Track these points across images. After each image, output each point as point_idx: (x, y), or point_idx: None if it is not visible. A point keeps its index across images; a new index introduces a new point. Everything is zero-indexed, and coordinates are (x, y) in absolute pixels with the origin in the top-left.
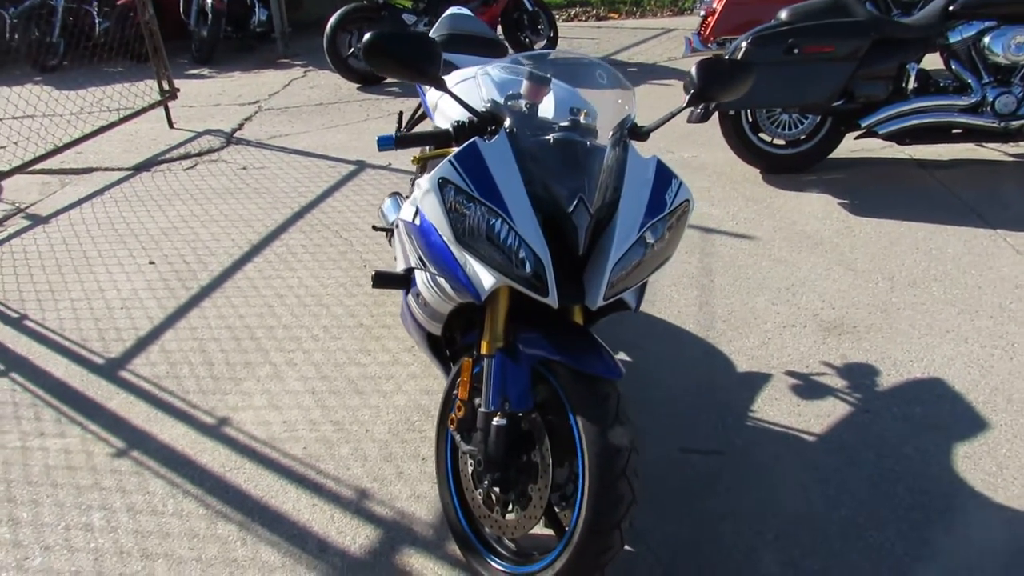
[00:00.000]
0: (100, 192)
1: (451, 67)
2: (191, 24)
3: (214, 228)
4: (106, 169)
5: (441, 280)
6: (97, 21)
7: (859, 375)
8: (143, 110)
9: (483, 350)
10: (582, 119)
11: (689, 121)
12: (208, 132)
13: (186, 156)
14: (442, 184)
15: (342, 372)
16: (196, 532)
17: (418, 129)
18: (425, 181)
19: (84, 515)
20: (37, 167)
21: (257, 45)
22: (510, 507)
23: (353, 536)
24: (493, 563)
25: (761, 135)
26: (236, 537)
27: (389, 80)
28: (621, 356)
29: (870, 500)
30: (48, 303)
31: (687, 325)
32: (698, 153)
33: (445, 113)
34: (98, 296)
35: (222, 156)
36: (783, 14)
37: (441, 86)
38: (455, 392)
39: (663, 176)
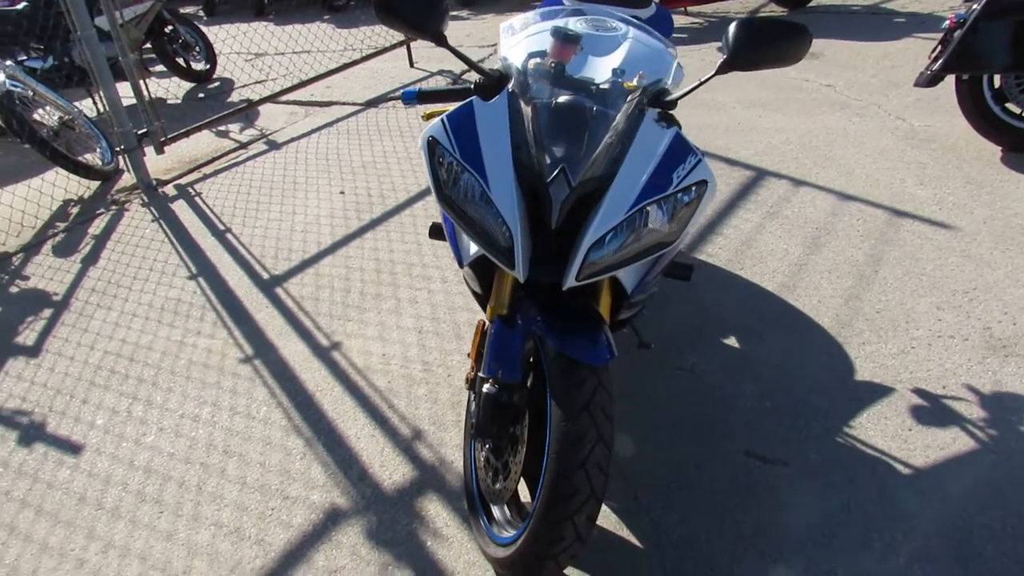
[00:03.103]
0: (330, 124)
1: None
2: None
3: (406, 166)
4: (342, 103)
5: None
6: None
7: (1006, 408)
8: (385, 49)
9: (486, 315)
10: (633, 81)
11: (916, 84)
12: (440, 72)
13: None
14: (430, 143)
15: (453, 316)
16: (270, 440)
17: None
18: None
19: (197, 407)
20: (291, 97)
21: None
22: (497, 474)
23: (392, 472)
24: (481, 521)
25: (1008, 105)
26: (299, 451)
27: None
28: (731, 341)
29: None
30: (249, 219)
31: (822, 318)
32: (933, 122)
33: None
34: (288, 218)
35: None
36: None
37: (442, 43)
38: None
39: (676, 151)
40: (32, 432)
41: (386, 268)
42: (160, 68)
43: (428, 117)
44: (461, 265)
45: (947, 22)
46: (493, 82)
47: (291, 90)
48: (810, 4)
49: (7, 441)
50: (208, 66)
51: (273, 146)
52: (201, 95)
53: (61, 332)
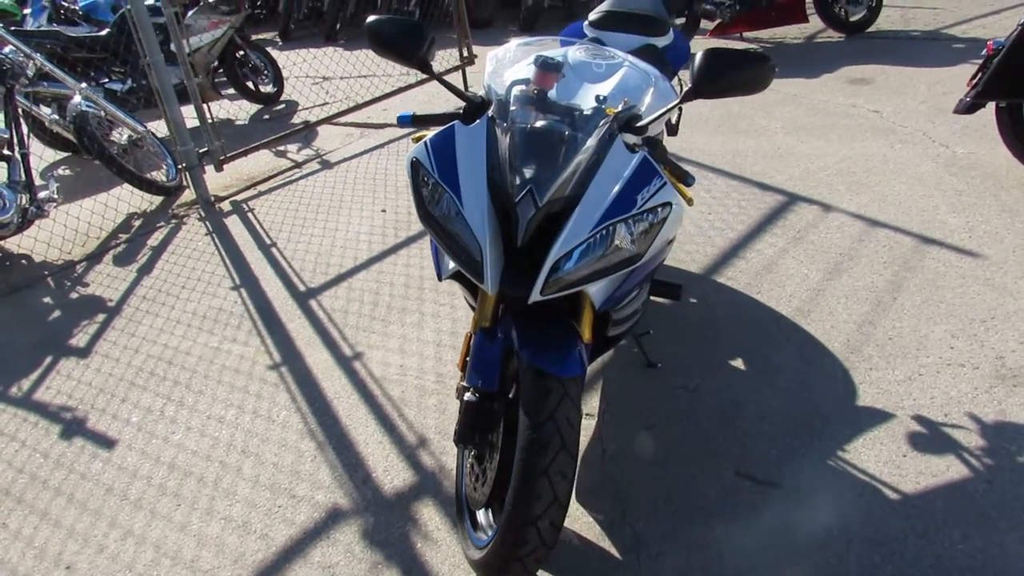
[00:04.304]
0: (382, 146)
1: (600, 44)
2: None
3: None
4: (395, 126)
5: None
6: None
7: (1007, 437)
8: (442, 74)
9: (471, 326)
10: (617, 107)
11: (955, 111)
12: None
13: None
14: (414, 164)
15: None
16: (286, 442)
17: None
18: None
19: (223, 410)
20: (348, 119)
21: (580, 12)
22: (478, 480)
23: (393, 477)
24: (466, 525)
25: None
26: (311, 454)
27: None
28: (738, 363)
29: None
30: (295, 235)
31: (832, 343)
32: (977, 150)
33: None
34: (331, 234)
35: None
36: None
37: (427, 71)
38: None
39: (642, 174)
40: (73, 427)
41: (415, 283)
42: (231, 91)
43: (417, 140)
44: (440, 278)
45: (986, 49)
46: (475, 107)
47: (348, 112)
48: (869, 30)
49: (51, 434)
50: (275, 89)
51: (326, 165)
52: (266, 116)
53: (111, 336)
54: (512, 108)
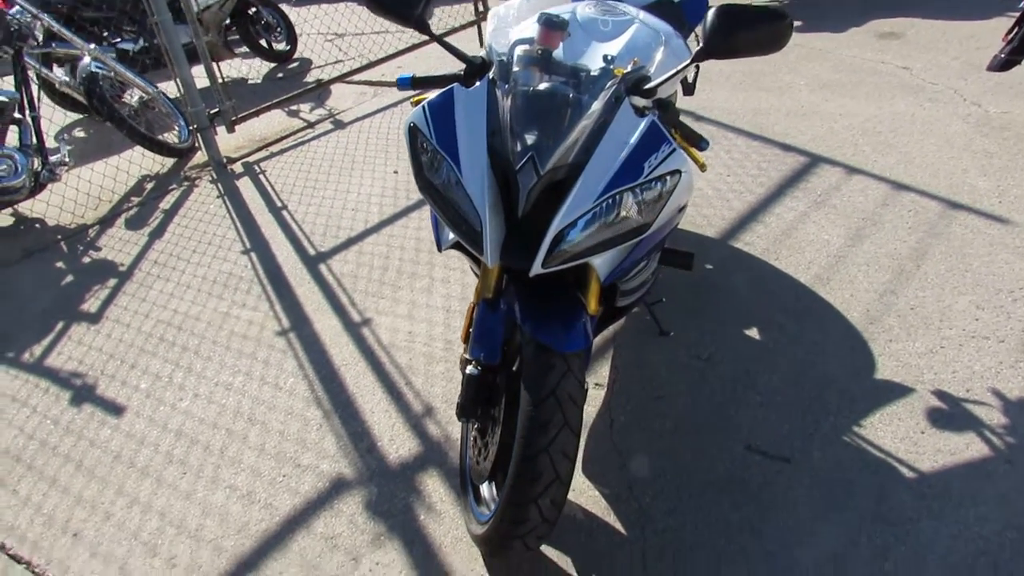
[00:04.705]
0: (395, 105)
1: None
2: None
3: None
4: None
5: None
6: None
7: None
8: (454, 30)
9: (474, 297)
10: (626, 67)
11: (988, 69)
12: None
13: None
14: (412, 129)
15: None
16: (292, 410)
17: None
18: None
19: (231, 376)
20: (361, 78)
21: None
22: (480, 453)
23: (398, 446)
24: (469, 499)
25: None
26: (317, 422)
27: None
28: (752, 332)
29: None
30: (306, 197)
31: (851, 312)
32: (1011, 109)
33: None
34: (341, 196)
35: None
36: None
37: (425, 30)
38: None
39: (650, 140)
40: (83, 393)
41: (425, 247)
42: (244, 49)
43: (416, 103)
44: (440, 249)
45: (1022, 3)
46: (475, 69)
47: (361, 70)
48: None
49: (61, 401)
50: (289, 47)
51: (339, 125)
52: (280, 75)
53: (122, 301)
54: (515, 69)
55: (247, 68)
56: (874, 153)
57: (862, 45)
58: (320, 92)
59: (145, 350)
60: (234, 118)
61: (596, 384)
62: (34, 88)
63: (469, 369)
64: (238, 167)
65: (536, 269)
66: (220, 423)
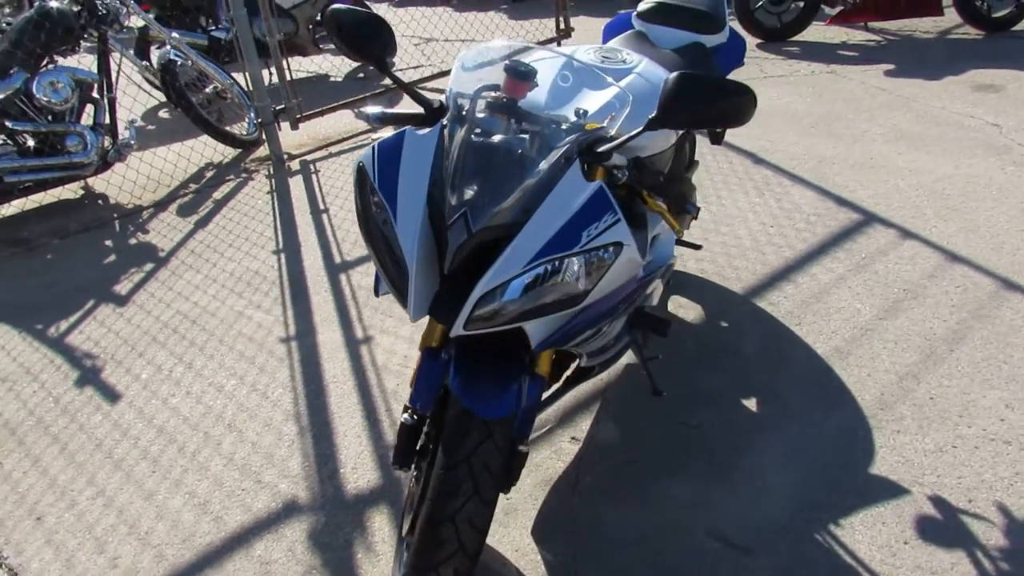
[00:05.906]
0: None
1: (644, 39)
2: None
3: None
4: None
5: None
6: None
7: None
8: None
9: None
10: (602, 122)
11: None
12: None
13: None
14: (359, 168)
15: None
16: (271, 422)
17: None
18: None
19: (226, 378)
20: (435, 84)
21: None
22: (414, 503)
23: (359, 476)
24: (402, 546)
25: None
26: (290, 439)
27: (795, 38)
28: (751, 403)
29: None
30: (349, 202)
31: (863, 394)
32: None
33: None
34: None
35: None
36: None
37: (384, 69)
38: None
39: (594, 208)
40: (89, 375)
41: None
42: (331, 46)
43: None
44: (376, 294)
45: None
46: (433, 113)
47: (435, 78)
48: (1014, 28)
49: (68, 380)
50: None
51: None
52: (361, 75)
53: (151, 287)
54: (471, 117)
55: (330, 65)
56: (936, 217)
57: (954, 96)
58: (390, 96)
59: (157, 340)
60: (299, 115)
61: (572, 438)
62: (113, 70)
63: (404, 416)
64: (295, 164)
65: (457, 330)
66: (200, 426)
